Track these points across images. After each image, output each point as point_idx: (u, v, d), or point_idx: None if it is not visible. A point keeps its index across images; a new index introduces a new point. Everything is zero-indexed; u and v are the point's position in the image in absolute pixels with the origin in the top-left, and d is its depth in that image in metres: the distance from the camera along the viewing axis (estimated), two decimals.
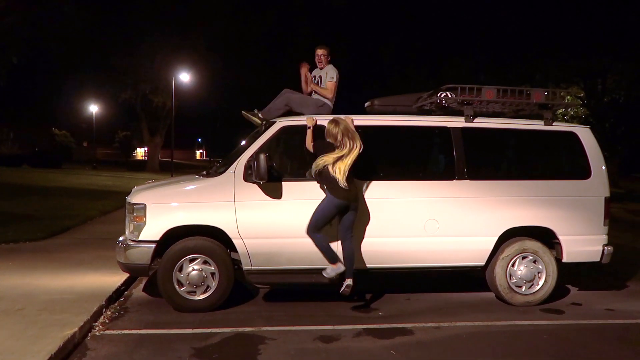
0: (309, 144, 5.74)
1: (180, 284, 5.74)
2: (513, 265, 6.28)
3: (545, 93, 6.55)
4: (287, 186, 5.82)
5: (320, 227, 5.58)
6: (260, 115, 6.38)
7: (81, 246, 8.90)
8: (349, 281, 5.61)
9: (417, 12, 34.36)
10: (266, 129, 6.07)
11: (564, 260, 6.32)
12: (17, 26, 19.19)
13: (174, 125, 33.66)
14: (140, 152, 69.25)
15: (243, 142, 6.63)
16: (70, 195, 16.89)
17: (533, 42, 27.07)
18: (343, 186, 5.43)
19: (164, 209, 5.75)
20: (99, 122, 51.12)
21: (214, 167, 6.62)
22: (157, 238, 5.70)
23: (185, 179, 6.53)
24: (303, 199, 5.79)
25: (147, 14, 32.63)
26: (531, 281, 6.29)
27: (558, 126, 6.56)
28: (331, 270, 5.60)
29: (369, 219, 5.91)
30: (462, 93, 6.22)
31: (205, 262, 5.77)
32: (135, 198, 5.84)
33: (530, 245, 6.28)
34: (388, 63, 36.02)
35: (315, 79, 6.71)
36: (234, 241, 5.77)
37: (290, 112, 6.52)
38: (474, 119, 6.32)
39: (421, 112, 6.67)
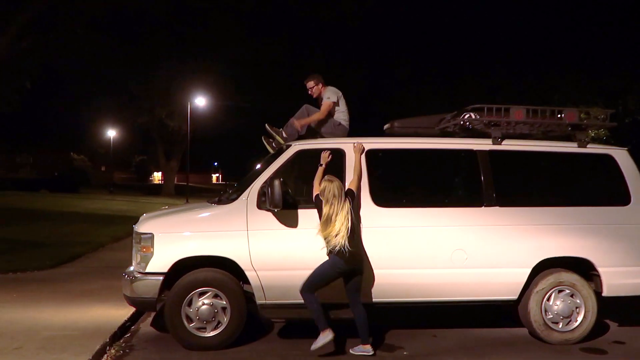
0: (317, 183, 5.28)
1: (190, 320, 5.35)
2: (548, 299, 5.78)
3: (579, 113, 6.13)
4: (304, 214, 5.45)
5: (316, 288, 5.09)
6: (284, 134, 6.07)
7: (89, 275, 8.58)
8: (366, 348, 5.19)
9: (432, 33, 34.31)
10: (280, 153, 5.74)
11: (604, 294, 5.80)
12: (31, 51, 19.35)
13: (190, 149, 33.72)
14: (157, 176, 69.67)
15: (257, 167, 6.32)
16: (84, 221, 16.73)
17: (551, 63, 26.70)
18: (346, 251, 4.96)
19: (173, 238, 5.41)
20: (116, 147, 51.64)
21: (227, 193, 6.29)
22: (165, 270, 5.34)
23: (196, 206, 6.20)
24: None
25: (163, 38, 33.00)
26: (569, 317, 5.77)
27: (593, 148, 6.12)
28: (320, 339, 5.05)
29: (391, 249, 5.48)
30: (489, 114, 5.83)
31: (216, 296, 5.39)
32: (142, 227, 5.51)
33: (567, 278, 5.78)
34: (403, 84, 35.80)
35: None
36: (247, 273, 5.39)
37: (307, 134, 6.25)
38: (501, 141, 5.92)
39: (444, 134, 6.31)
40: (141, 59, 32.94)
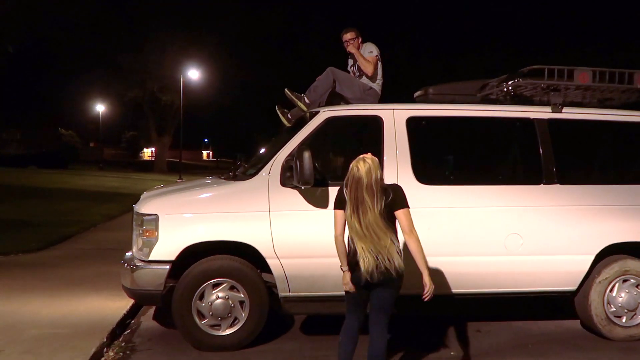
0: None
1: (202, 316, 4.56)
2: (611, 290, 5.05)
3: None
4: (336, 192, 4.61)
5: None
6: (306, 99, 5.19)
7: (81, 259, 7.73)
8: None
9: (433, 8, 33.21)
10: (303, 122, 4.89)
11: None
12: (13, 14, 18.05)
13: (182, 124, 32.60)
14: (148, 152, 68.38)
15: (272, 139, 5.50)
16: (74, 198, 15.78)
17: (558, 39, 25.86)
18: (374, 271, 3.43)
19: (182, 221, 4.58)
20: (105, 122, 50.40)
21: (241, 167, 5.44)
22: (173, 258, 4.53)
23: (206, 182, 5.34)
24: None
25: (154, 8, 31.55)
26: (634, 310, 5.05)
27: None
28: None
29: (436, 233, 4.68)
30: (550, 77, 4.99)
31: (232, 288, 4.60)
32: (145, 207, 4.66)
33: (634, 266, 5.03)
34: (402, 59, 34.77)
35: (357, 72, 5.67)
36: (269, 261, 4.59)
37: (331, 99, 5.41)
38: (562, 108, 5.10)
39: (485, 101, 5.47)
40: (131, 28, 31.49)
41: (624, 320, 5.07)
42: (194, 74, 30.87)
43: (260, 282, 4.65)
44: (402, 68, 34.37)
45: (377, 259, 3.39)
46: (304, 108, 5.28)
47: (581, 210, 4.93)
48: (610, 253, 5.04)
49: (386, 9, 34.91)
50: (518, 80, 5.07)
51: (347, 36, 5.70)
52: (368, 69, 5.48)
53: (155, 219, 4.54)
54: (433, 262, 4.67)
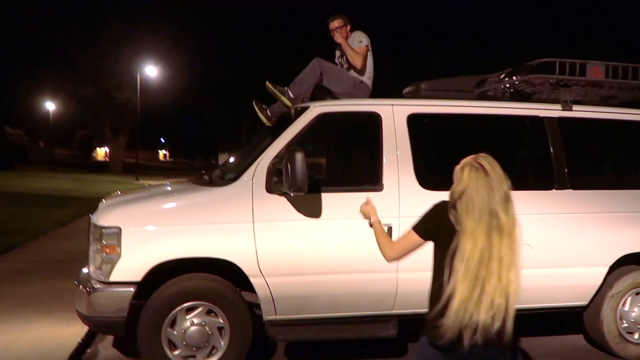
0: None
1: (173, 346, 3.88)
2: (624, 304, 4.66)
3: None
4: (329, 199, 4.04)
5: None
6: (291, 94, 4.57)
7: (27, 274, 6.81)
8: None
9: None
10: (294, 117, 4.27)
11: None
12: None
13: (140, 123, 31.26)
14: (101, 153, 65.89)
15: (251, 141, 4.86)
16: (20, 203, 14.49)
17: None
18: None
19: (149, 234, 3.88)
20: (56, 121, 48.20)
21: (216, 170, 4.77)
22: (138, 278, 3.83)
23: (177, 189, 4.64)
24: (354, 217, 4.02)
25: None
26: None
27: None
28: None
29: None
30: (561, 71, 4.54)
31: (209, 312, 3.94)
32: (104, 218, 3.93)
33: None
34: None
35: (345, 64, 5.14)
36: (253, 280, 3.95)
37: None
38: (572, 106, 4.69)
39: (482, 98, 5.01)
40: (83, 20, 29.81)
41: (636, 336, 4.70)
42: (151, 70, 29.60)
43: (242, 305, 4.01)
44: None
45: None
46: (288, 103, 4.67)
47: (596, 218, 4.52)
48: (622, 264, 4.66)
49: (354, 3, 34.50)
50: (527, 75, 4.61)
51: (334, 24, 5.15)
52: (357, 61, 4.93)
53: (117, 232, 3.82)
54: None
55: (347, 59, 5.05)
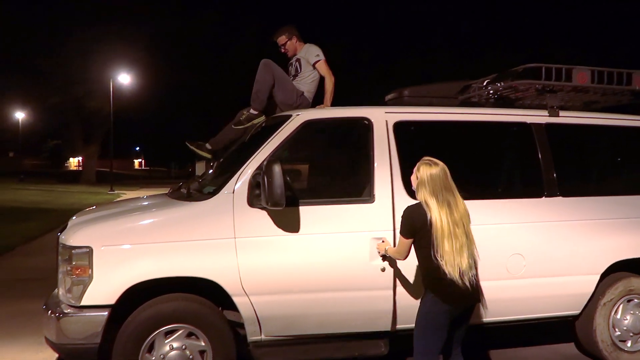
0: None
1: None
2: (616, 312, 4.58)
3: None
4: (316, 212, 3.85)
5: (434, 351, 3.32)
6: (208, 146, 4.71)
7: None
8: None
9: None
10: (280, 126, 4.06)
11: None
12: None
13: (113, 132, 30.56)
14: (74, 162, 64.49)
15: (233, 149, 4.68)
16: None
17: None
18: (464, 282, 3.22)
19: (123, 254, 3.63)
20: (25, 130, 46.84)
21: (194, 183, 4.55)
22: (112, 301, 3.58)
23: (152, 203, 4.39)
24: (341, 231, 3.84)
25: (75, 4, 29.22)
26: (638, 334, 4.61)
27: None
28: None
29: None
30: (547, 76, 4.46)
31: (190, 335, 3.70)
32: (74, 237, 3.67)
33: (638, 285, 4.60)
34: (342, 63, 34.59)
35: (292, 72, 5.04)
36: (236, 299, 3.74)
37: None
38: (558, 111, 4.61)
39: (466, 105, 4.91)
40: (50, 25, 28.95)
41: (629, 344, 4.61)
42: (124, 78, 28.97)
43: (225, 326, 3.79)
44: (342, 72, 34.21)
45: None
46: (207, 156, 4.77)
47: (587, 226, 4.43)
48: (613, 271, 4.58)
49: (324, 10, 34.59)
50: (513, 81, 4.51)
51: (281, 40, 5.02)
52: (331, 79, 4.83)
53: (88, 252, 3.56)
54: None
55: (295, 68, 4.97)
